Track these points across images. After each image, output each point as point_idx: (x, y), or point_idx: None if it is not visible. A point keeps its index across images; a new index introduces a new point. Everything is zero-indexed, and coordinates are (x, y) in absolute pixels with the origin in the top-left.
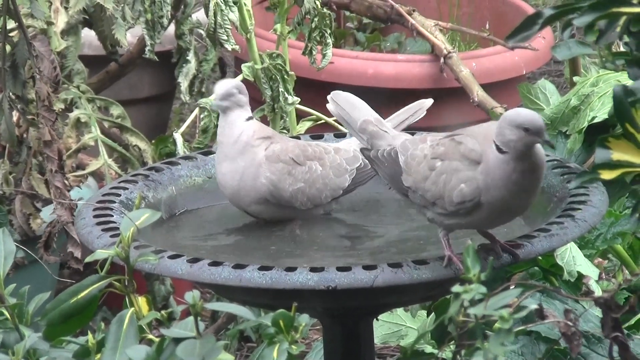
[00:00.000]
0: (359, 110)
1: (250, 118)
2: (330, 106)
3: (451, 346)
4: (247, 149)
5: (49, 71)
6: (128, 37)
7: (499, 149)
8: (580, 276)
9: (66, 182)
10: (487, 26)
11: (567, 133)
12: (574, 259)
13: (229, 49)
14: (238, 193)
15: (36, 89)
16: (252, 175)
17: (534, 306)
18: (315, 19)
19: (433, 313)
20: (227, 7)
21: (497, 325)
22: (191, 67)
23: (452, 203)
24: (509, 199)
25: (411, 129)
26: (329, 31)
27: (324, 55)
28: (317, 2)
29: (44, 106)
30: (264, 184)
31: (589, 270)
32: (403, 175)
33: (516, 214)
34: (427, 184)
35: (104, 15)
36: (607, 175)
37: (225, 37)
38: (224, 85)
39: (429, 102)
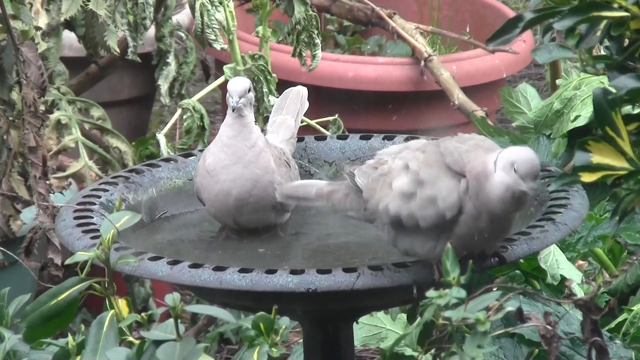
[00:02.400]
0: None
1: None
2: None
3: (432, 349)
4: (262, 155)
5: (35, 77)
6: None
7: None
8: (563, 279)
9: (49, 188)
10: (468, 29)
11: (552, 137)
12: (557, 262)
13: (218, 48)
14: (245, 201)
15: (22, 95)
16: (266, 183)
17: (510, 308)
18: (301, 24)
19: (419, 317)
20: (213, 7)
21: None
22: (171, 69)
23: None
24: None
25: (391, 132)
26: (316, 32)
27: (313, 56)
28: (308, 14)
29: (30, 112)
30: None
31: (572, 273)
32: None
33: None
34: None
35: (95, 21)
36: (587, 177)
37: (214, 37)
38: (239, 84)
39: (304, 90)
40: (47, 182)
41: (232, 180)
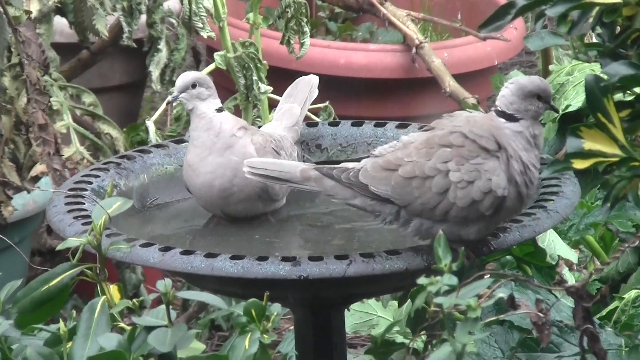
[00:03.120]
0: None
1: (220, 109)
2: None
3: (423, 336)
4: (235, 141)
5: (37, 55)
6: None
7: (509, 117)
8: (554, 266)
9: (64, 164)
10: (459, 16)
11: (542, 122)
12: (553, 243)
13: (205, 36)
14: (228, 191)
15: (26, 74)
16: None
17: (500, 295)
18: (291, 9)
19: (409, 301)
20: None
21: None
22: (162, 56)
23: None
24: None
25: (382, 119)
26: (305, 20)
27: (302, 44)
28: None
29: (36, 90)
30: None
31: (569, 254)
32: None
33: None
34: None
35: (83, 5)
36: (580, 164)
37: (201, 25)
38: (181, 79)
39: (315, 79)
40: (61, 157)
41: (211, 172)
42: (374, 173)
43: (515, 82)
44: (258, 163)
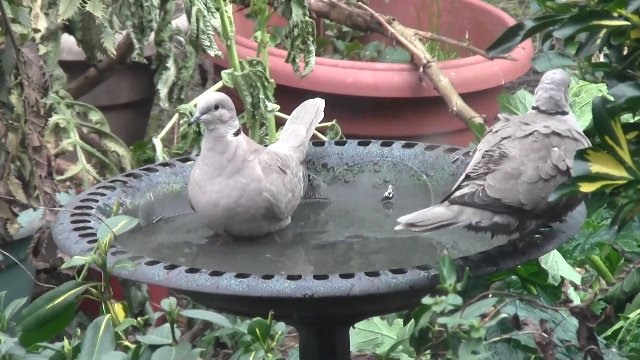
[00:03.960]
0: None
1: (238, 132)
2: None
3: (427, 355)
4: (246, 165)
5: (37, 77)
6: None
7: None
8: (560, 285)
9: (55, 187)
10: (467, 36)
11: None
12: (556, 264)
13: (212, 55)
14: (233, 211)
15: (25, 95)
16: (254, 192)
17: (504, 315)
18: (298, 27)
19: (412, 320)
20: (210, 13)
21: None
22: (170, 74)
23: None
24: None
25: (389, 138)
26: (311, 39)
27: (307, 63)
28: (306, 17)
29: (33, 112)
30: (266, 199)
31: (572, 274)
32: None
33: None
34: None
35: (92, 23)
36: (587, 188)
37: (208, 43)
38: (204, 99)
39: (321, 102)
40: (53, 180)
41: (218, 191)
42: (499, 186)
43: (553, 78)
44: (413, 219)
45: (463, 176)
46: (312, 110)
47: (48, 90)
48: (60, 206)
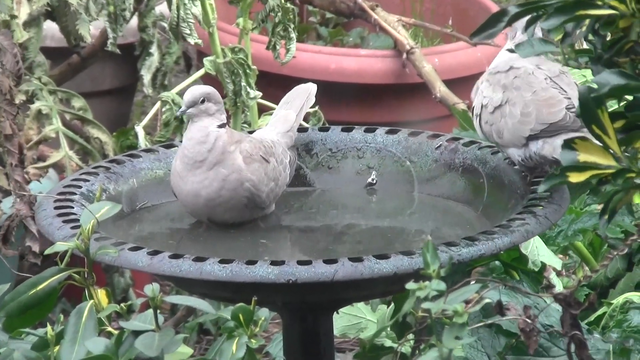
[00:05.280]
0: None
1: (223, 125)
2: None
3: (411, 341)
4: (226, 156)
5: (11, 65)
6: (91, 29)
7: None
8: (542, 270)
9: (26, 176)
10: (450, 22)
11: None
12: (537, 249)
13: (192, 43)
14: (214, 201)
15: None
16: (235, 182)
17: (487, 300)
18: (279, 14)
19: (392, 304)
20: (190, 1)
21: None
22: (154, 60)
23: None
24: None
25: (372, 124)
26: (292, 26)
27: (287, 50)
28: (282, 0)
29: (6, 100)
30: (247, 189)
31: (552, 260)
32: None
33: None
34: None
35: (67, 10)
36: (575, 178)
37: (188, 31)
38: (190, 93)
39: (313, 87)
40: (24, 169)
41: (199, 182)
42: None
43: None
44: None
45: None
46: (303, 95)
47: (21, 78)
48: (32, 194)
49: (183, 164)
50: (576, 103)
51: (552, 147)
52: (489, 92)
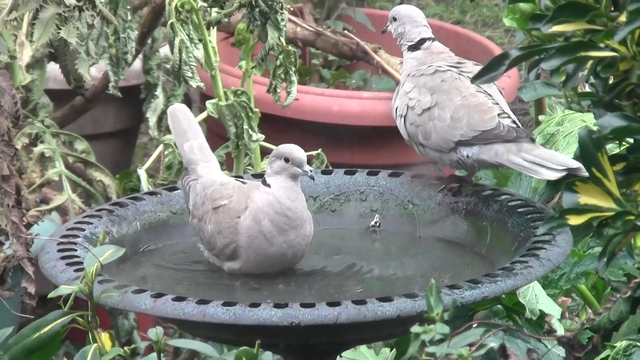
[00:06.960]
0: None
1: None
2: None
3: None
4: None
5: (9, 106)
6: (94, 71)
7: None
8: (543, 314)
9: (24, 217)
10: None
11: None
12: (536, 297)
13: (194, 86)
14: (294, 261)
15: None
16: (310, 237)
17: (492, 344)
18: (280, 57)
19: (394, 350)
20: (192, 44)
21: None
22: (159, 102)
23: None
24: None
25: (375, 166)
26: (293, 69)
27: (288, 93)
28: (282, 39)
29: (3, 141)
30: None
31: (552, 308)
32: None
33: None
34: None
35: (67, 49)
36: (575, 220)
37: (190, 75)
38: (304, 153)
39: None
40: (21, 210)
41: (289, 244)
42: None
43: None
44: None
45: None
46: (185, 120)
47: (19, 119)
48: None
49: (277, 225)
50: (505, 108)
51: (493, 153)
52: (415, 94)
